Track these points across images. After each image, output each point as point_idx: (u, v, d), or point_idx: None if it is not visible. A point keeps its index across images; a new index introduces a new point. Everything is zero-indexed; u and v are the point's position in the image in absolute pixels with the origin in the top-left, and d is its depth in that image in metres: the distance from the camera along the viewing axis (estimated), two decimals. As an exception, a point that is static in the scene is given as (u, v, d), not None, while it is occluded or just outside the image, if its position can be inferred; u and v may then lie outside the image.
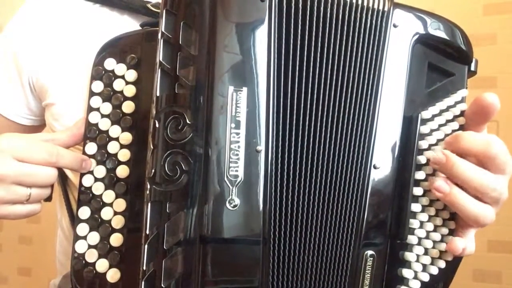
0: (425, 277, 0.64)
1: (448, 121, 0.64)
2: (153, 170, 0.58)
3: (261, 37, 0.59)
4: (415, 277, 0.64)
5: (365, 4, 0.63)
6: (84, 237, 0.64)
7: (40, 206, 0.65)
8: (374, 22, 0.63)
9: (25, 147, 0.61)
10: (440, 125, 0.64)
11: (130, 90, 0.66)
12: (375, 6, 0.63)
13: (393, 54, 0.63)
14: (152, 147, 0.58)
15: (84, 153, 0.65)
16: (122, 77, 0.66)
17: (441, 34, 0.65)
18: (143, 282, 0.56)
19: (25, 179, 0.61)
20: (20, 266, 2.11)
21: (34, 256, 2.05)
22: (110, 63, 0.67)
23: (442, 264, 0.63)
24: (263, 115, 0.59)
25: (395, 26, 0.63)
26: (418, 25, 0.65)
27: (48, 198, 0.72)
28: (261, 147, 0.58)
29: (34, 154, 0.61)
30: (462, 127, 0.64)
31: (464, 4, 1.59)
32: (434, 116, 0.64)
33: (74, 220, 0.75)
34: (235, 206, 0.57)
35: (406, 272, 0.64)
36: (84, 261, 0.63)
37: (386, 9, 0.63)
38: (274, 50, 0.60)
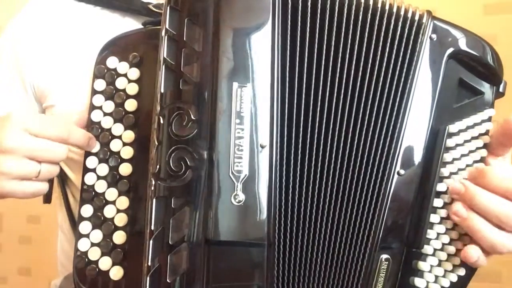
0: None
1: (473, 138, 0.65)
2: (157, 166, 0.58)
3: (266, 33, 0.60)
4: (427, 287, 0.64)
5: (394, 11, 0.63)
6: (87, 235, 0.64)
7: (47, 185, 0.65)
8: (407, 32, 0.63)
9: (38, 121, 0.61)
10: (465, 141, 0.64)
11: (133, 88, 0.66)
12: (409, 16, 0.63)
13: (426, 65, 0.64)
14: (156, 143, 0.58)
15: (86, 151, 0.65)
16: (125, 75, 0.67)
17: (474, 51, 0.65)
18: (148, 278, 0.56)
19: (37, 153, 0.60)
20: (20, 266, 2.10)
21: (34, 256, 2.04)
22: (112, 62, 0.67)
23: (454, 277, 0.63)
24: (267, 111, 0.59)
25: (431, 38, 0.64)
26: (454, 40, 0.65)
27: (48, 200, 0.73)
28: (266, 143, 0.58)
29: (47, 128, 0.61)
30: (486, 146, 0.65)
31: (464, 4, 1.59)
32: (460, 131, 0.65)
33: (74, 221, 0.75)
34: (240, 201, 0.57)
35: (418, 281, 0.64)
36: (87, 259, 0.63)
37: (424, 21, 0.64)
38: (278, 46, 0.60)
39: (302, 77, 0.61)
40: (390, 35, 0.63)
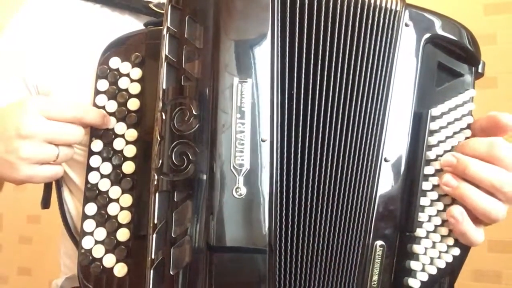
0: (433, 270, 0.64)
1: (456, 119, 0.66)
2: (160, 161, 0.59)
3: (265, 29, 0.61)
4: (423, 270, 0.64)
5: (378, 3, 0.64)
6: (91, 233, 0.64)
7: (62, 169, 0.66)
8: (386, 20, 0.65)
9: (53, 105, 0.63)
10: (449, 123, 0.66)
11: (135, 88, 0.67)
12: (388, 6, 0.65)
13: (404, 52, 0.65)
14: (159, 138, 0.59)
15: (90, 150, 0.66)
16: (127, 75, 0.68)
17: (450, 34, 0.67)
18: (151, 271, 0.57)
19: (56, 137, 0.62)
20: (20, 266, 2.11)
21: (34, 256, 2.05)
22: (115, 62, 0.68)
23: (449, 258, 0.64)
24: (267, 106, 0.60)
25: (406, 25, 0.65)
26: (429, 25, 0.66)
27: (46, 205, 0.73)
28: (266, 137, 0.59)
29: (62, 110, 0.62)
30: (469, 126, 0.66)
31: (464, 4, 1.60)
32: (443, 113, 0.66)
33: (68, 226, 0.76)
34: (241, 194, 0.58)
35: (414, 265, 0.64)
36: (91, 257, 0.64)
37: (398, 8, 0.65)
38: (278, 41, 0.61)
39: (301, 72, 0.62)
40: (375, 26, 0.64)
